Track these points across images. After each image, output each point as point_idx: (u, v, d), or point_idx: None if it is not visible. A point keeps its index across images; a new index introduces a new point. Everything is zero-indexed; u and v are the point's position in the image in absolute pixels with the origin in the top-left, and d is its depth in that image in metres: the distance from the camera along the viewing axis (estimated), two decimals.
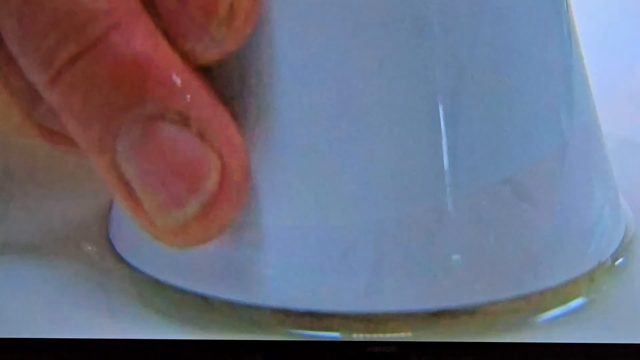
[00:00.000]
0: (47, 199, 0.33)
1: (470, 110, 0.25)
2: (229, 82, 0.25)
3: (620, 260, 0.28)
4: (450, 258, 0.25)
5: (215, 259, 0.25)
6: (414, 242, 0.25)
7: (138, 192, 0.24)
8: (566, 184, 0.26)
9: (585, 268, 0.27)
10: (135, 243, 0.27)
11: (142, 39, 0.24)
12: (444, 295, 0.25)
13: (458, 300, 0.25)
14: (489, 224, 0.25)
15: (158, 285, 0.27)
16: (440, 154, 0.25)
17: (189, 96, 0.24)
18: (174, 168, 0.23)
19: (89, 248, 0.30)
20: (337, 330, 0.25)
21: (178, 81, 0.24)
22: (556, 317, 0.26)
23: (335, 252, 0.25)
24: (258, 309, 0.25)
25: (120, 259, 0.28)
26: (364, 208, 0.25)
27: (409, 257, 0.25)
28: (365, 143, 0.24)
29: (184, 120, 0.23)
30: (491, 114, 0.25)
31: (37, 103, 0.26)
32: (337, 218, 0.25)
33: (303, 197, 0.25)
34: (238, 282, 0.25)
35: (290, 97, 0.25)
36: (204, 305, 0.26)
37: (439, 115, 0.25)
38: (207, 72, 0.25)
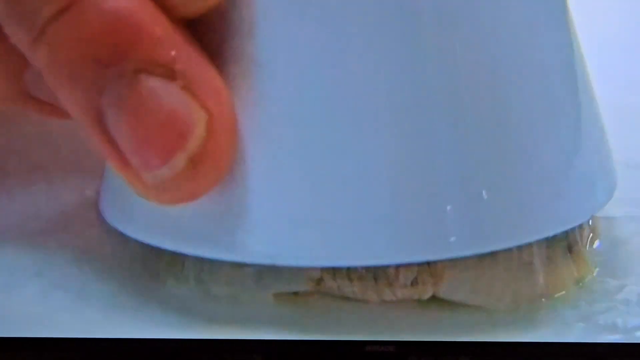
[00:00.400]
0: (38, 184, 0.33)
1: (460, 66, 0.25)
2: (213, 36, 0.25)
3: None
4: (438, 210, 0.25)
5: (203, 218, 0.25)
6: (403, 194, 0.24)
7: (125, 149, 0.24)
8: (555, 130, 0.26)
9: (569, 223, 0.27)
10: (125, 210, 0.27)
11: None
12: (432, 248, 0.25)
13: (445, 254, 0.25)
14: (478, 176, 0.25)
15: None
16: (429, 106, 0.24)
17: (173, 49, 0.23)
18: (160, 122, 0.23)
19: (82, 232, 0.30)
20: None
21: (162, 35, 0.23)
22: (552, 316, 0.26)
23: (323, 207, 0.24)
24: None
25: (114, 238, 0.28)
26: (351, 160, 0.24)
27: (398, 210, 0.24)
28: (352, 97, 0.24)
29: (169, 74, 0.23)
30: (481, 73, 0.25)
31: (24, 70, 0.26)
32: (325, 172, 0.24)
33: (290, 151, 0.25)
34: (226, 240, 0.25)
35: (276, 50, 0.24)
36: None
37: (426, 70, 0.25)
38: (192, 27, 0.25)
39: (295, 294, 0.27)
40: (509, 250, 0.26)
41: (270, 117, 0.25)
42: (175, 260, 0.28)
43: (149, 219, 0.26)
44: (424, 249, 0.25)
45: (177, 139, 0.23)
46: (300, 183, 0.25)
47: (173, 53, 0.23)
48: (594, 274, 0.28)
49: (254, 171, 0.25)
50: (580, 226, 0.29)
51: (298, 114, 0.25)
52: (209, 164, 0.24)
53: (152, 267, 0.28)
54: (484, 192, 0.25)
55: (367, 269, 0.26)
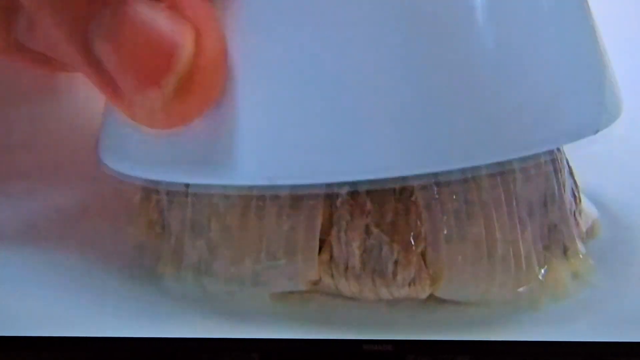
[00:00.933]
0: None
1: None
2: None
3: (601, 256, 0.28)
4: (436, 121, 0.24)
5: (198, 144, 0.25)
6: (389, 112, 0.24)
7: (115, 75, 0.23)
8: (554, 45, 0.26)
9: (571, 137, 0.26)
10: (124, 149, 0.27)
11: None
12: (417, 162, 0.24)
13: (429, 168, 0.24)
14: (477, 87, 0.24)
15: None
16: (415, 22, 0.24)
17: None
18: (148, 43, 0.23)
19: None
20: None
21: None
22: (550, 315, 0.26)
23: (319, 123, 0.24)
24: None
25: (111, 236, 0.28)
26: (347, 74, 0.24)
27: (384, 126, 0.24)
28: (341, 18, 0.24)
29: None
30: None
31: (15, 18, 0.26)
32: (321, 86, 0.24)
33: (284, 67, 0.24)
34: (223, 163, 0.24)
35: None
36: None
37: None
38: None
39: (293, 292, 0.27)
40: (506, 250, 0.26)
41: (260, 33, 0.24)
42: (173, 259, 0.28)
43: (146, 153, 0.26)
44: (425, 161, 0.24)
45: (166, 59, 0.23)
46: (295, 99, 0.24)
47: None
48: (592, 271, 0.28)
49: (247, 90, 0.24)
50: (578, 223, 0.29)
51: (291, 28, 0.24)
52: (200, 82, 0.23)
53: (150, 267, 0.28)
54: (483, 104, 0.24)
55: (365, 268, 0.26)
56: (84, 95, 0.37)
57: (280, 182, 0.24)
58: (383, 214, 0.26)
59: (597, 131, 0.26)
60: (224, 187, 0.27)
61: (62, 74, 0.35)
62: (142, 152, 0.26)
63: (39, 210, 0.32)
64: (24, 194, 0.33)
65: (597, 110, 0.26)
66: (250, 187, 0.26)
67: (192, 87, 0.23)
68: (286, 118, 0.24)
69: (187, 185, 0.28)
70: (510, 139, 0.24)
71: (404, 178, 0.25)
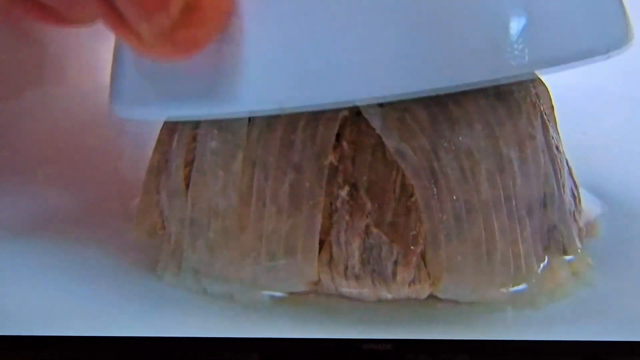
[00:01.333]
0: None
1: None
2: None
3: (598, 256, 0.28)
4: (429, 40, 0.24)
5: (209, 75, 0.25)
6: (390, 33, 0.24)
7: (121, 6, 0.23)
8: None
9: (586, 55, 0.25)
10: (136, 96, 0.27)
11: None
12: (420, 79, 0.24)
13: (433, 85, 0.24)
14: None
15: None
16: None
17: None
18: None
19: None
20: None
21: None
22: (549, 314, 0.26)
23: (320, 48, 0.24)
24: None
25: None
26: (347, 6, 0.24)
27: (386, 46, 0.24)
28: None
29: None
30: None
31: None
32: (320, 12, 0.24)
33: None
34: (233, 92, 0.24)
35: None
36: None
37: None
38: None
39: (293, 293, 0.27)
40: (505, 250, 0.26)
41: None
42: (173, 260, 0.28)
43: (155, 94, 0.26)
44: (428, 78, 0.24)
45: None
46: (302, 23, 0.24)
47: None
48: (591, 271, 0.28)
49: (254, 15, 0.24)
50: (577, 223, 0.29)
51: None
52: (206, 7, 0.23)
53: (150, 267, 0.28)
54: (491, 21, 0.24)
55: (365, 268, 0.26)
56: (78, 91, 0.37)
57: (288, 105, 0.24)
58: (383, 214, 0.26)
59: (608, 51, 0.26)
60: (236, 120, 0.27)
61: (56, 66, 0.35)
62: (151, 93, 0.26)
63: (38, 210, 0.32)
64: (23, 193, 0.33)
65: (609, 31, 0.26)
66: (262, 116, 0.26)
67: (198, 12, 0.23)
68: (293, 42, 0.24)
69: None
70: (518, 55, 0.24)
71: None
